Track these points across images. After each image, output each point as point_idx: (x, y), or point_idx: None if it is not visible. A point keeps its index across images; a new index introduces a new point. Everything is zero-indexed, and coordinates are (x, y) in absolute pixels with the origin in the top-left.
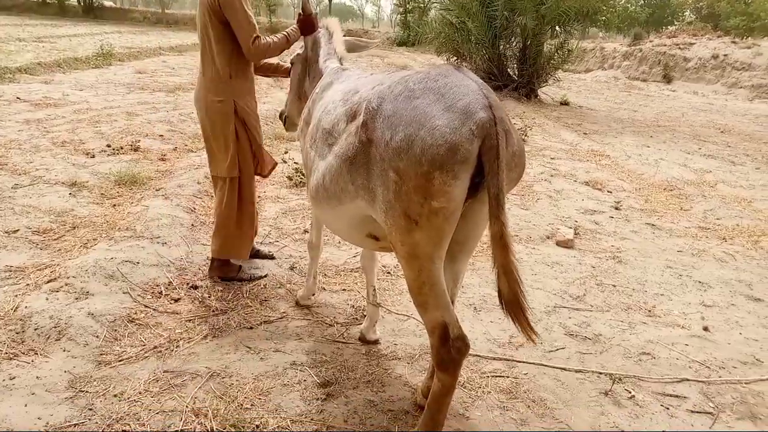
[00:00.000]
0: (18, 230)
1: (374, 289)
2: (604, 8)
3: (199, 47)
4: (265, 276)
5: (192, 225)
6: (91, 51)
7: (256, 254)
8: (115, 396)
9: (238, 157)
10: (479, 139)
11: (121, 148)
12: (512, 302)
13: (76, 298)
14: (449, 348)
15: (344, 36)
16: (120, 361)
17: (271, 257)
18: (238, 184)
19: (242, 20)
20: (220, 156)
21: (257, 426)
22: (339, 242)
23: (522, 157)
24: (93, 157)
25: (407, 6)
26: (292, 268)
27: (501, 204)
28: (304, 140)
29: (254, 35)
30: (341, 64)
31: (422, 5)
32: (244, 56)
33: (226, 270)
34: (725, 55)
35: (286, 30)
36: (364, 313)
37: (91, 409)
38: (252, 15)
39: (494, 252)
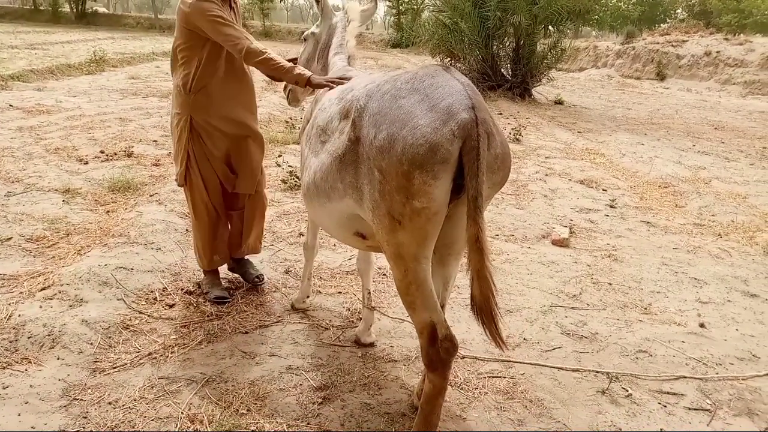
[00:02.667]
0: (11, 238)
1: (369, 292)
2: (597, 7)
3: None
4: (227, 302)
5: (186, 230)
6: (84, 57)
7: (244, 274)
8: (110, 403)
9: (191, 171)
10: (460, 139)
11: (115, 154)
12: (484, 308)
13: (70, 306)
14: (438, 348)
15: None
16: (114, 368)
17: (261, 281)
18: (192, 195)
19: (219, 32)
20: (175, 162)
21: (253, 431)
22: (334, 245)
23: (507, 160)
24: (86, 163)
25: (400, 8)
26: (287, 272)
27: (478, 206)
28: (302, 138)
29: (239, 41)
30: (348, 62)
31: (415, 7)
32: (211, 72)
33: (205, 280)
34: (718, 52)
35: (290, 65)
36: (360, 316)
37: (85, 417)
38: (230, 21)
39: (469, 255)
